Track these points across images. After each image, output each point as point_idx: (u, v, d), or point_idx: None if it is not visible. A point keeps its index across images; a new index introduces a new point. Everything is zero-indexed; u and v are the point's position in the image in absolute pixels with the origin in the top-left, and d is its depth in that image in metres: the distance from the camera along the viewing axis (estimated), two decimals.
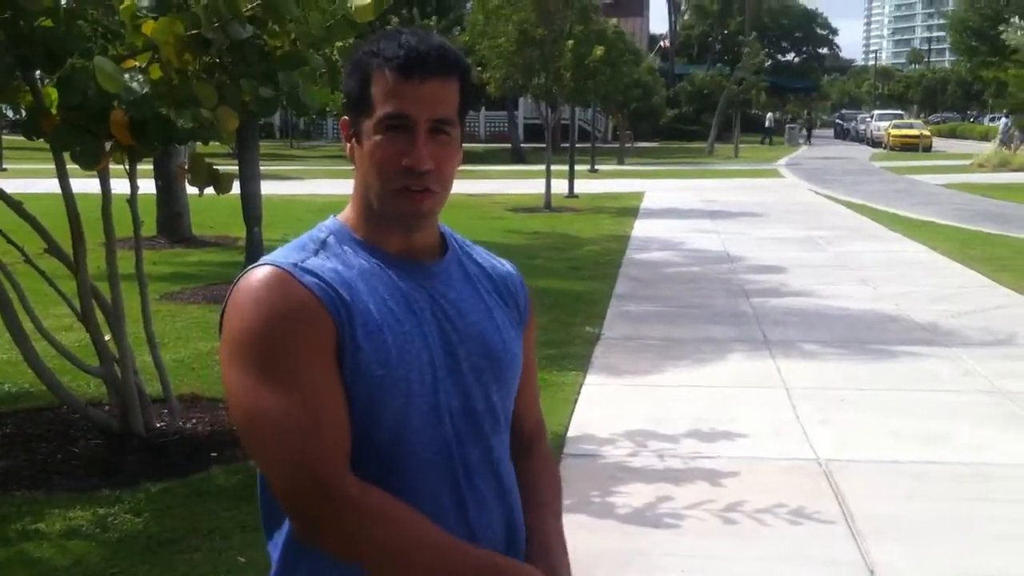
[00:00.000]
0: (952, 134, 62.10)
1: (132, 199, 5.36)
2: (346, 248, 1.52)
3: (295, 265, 1.47)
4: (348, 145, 1.55)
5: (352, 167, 1.58)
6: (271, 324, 1.42)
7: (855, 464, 5.38)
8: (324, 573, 1.51)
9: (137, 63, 4.77)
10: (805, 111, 71.82)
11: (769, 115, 59.94)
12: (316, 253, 1.50)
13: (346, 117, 1.55)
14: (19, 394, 6.38)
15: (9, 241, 5.26)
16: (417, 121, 1.46)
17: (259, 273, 1.47)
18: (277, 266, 1.47)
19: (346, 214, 1.57)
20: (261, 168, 10.76)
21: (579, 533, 4.47)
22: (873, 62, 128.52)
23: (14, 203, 5.15)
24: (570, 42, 18.84)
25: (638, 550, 4.33)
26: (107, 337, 5.49)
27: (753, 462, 5.40)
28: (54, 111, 4.71)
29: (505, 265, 1.72)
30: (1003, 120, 40.94)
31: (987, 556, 4.26)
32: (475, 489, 1.55)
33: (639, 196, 22.24)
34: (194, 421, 5.75)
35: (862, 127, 59.45)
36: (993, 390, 6.80)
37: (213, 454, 5.28)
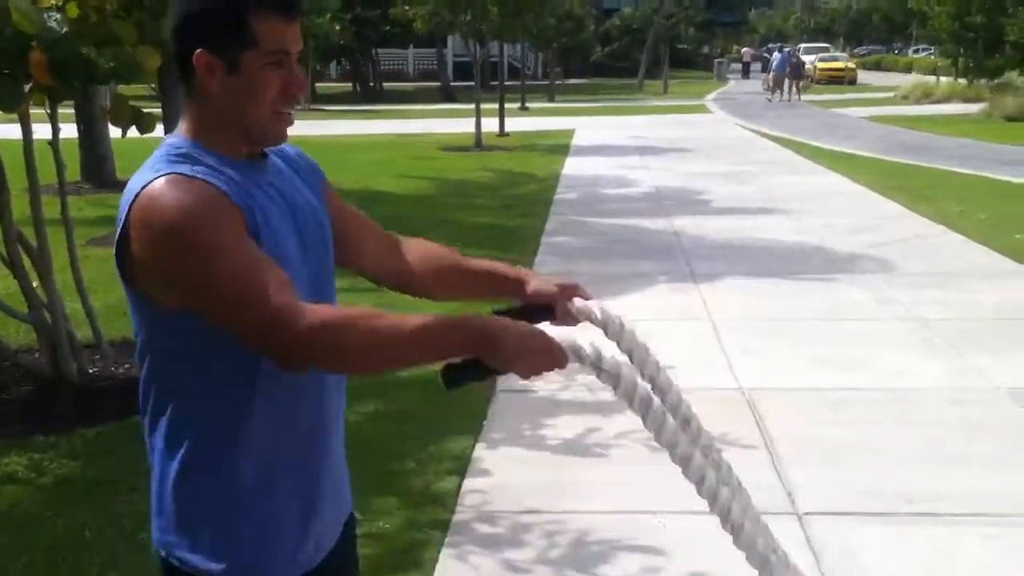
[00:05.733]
0: (877, 66, 62.88)
1: (54, 142, 5.29)
2: (205, 158, 1.66)
3: (188, 172, 1.61)
4: (203, 71, 1.63)
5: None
6: (200, 207, 1.57)
7: (777, 392, 5.56)
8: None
9: (54, 2, 4.69)
10: (763, 48, 73.12)
11: (746, 50, 60.30)
12: (188, 164, 1.63)
13: (203, 49, 1.63)
14: None
15: None
16: (291, 55, 1.69)
17: (164, 179, 1.59)
18: (175, 173, 1.60)
19: (186, 131, 1.70)
20: None
21: (513, 465, 4.61)
22: None
23: None
24: None
25: (569, 480, 4.46)
26: (35, 283, 5.45)
27: None
28: None
29: (286, 147, 1.89)
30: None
31: (900, 476, 4.45)
32: None
33: (570, 133, 22.28)
34: (127, 366, 5.74)
35: None
36: (910, 317, 7.04)
37: None
